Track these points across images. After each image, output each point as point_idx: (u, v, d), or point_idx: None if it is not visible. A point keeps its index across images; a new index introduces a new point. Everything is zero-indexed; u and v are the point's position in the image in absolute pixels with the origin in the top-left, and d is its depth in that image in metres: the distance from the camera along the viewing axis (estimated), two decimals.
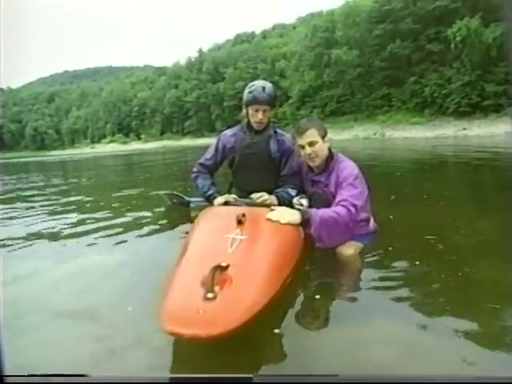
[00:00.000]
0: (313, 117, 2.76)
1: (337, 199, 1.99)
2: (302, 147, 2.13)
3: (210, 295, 1.18)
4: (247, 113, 2.36)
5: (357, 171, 2.09)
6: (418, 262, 1.92)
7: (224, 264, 1.27)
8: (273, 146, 2.39)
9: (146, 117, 71.75)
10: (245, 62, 55.35)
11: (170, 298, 1.26)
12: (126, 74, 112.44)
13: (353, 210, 1.91)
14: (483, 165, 6.96)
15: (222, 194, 2.34)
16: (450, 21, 30.64)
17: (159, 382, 1.02)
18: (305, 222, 1.91)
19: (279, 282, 1.43)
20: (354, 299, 1.62)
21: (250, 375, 0.93)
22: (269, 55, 54.40)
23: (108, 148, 61.40)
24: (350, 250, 2.04)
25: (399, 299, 1.56)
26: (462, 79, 29.65)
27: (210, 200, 2.37)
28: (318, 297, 1.63)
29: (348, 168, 2.10)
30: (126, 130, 75.12)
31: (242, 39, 72.19)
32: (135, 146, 59.69)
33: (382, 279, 1.77)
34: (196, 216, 2.14)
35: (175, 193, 3.86)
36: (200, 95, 61.30)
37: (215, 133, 50.91)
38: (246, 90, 2.34)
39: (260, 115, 2.29)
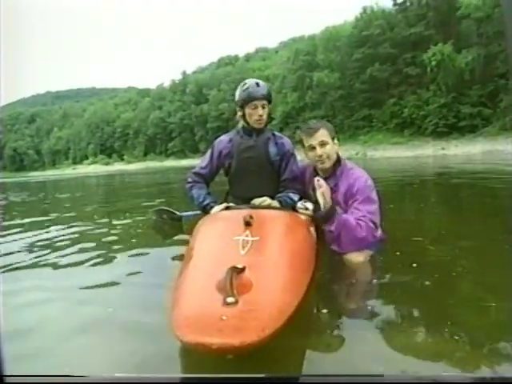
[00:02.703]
0: (320, 119, 2.52)
1: (355, 213, 1.88)
2: (312, 148, 2.02)
3: (230, 300, 1.04)
4: (243, 115, 2.24)
5: (370, 181, 2.00)
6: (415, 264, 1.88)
7: (240, 266, 1.15)
8: (272, 148, 2.29)
9: (129, 138, 71.46)
10: (228, 85, 56.06)
11: (184, 305, 1.11)
12: (109, 95, 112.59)
13: (373, 226, 1.85)
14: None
15: (218, 204, 2.20)
16: (425, 46, 32.05)
17: (160, 382, 0.98)
18: (329, 216, 1.82)
19: (305, 282, 1.32)
20: (364, 308, 1.50)
21: (297, 375, 0.87)
22: (252, 78, 55.16)
23: (90, 169, 60.59)
24: (359, 257, 1.91)
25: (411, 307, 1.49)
26: (439, 101, 30.77)
27: (206, 210, 2.23)
28: (325, 311, 1.48)
29: (361, 178, 1.99)
30: (108, 151, 74.55)
31: (225, 62, 73.44)
32: (118, 167, 59.08)
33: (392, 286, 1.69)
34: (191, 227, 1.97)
35: (165, 208, 3.72)
36: (184, 116, 61.65)
37: (199, 154, 50.99)
38: (239, 90, 2.24)
39: (260, 111, 2.20)
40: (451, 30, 32.08)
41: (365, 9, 39.24)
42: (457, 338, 1.22)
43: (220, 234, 1.55)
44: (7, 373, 0.79)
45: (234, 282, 1.09)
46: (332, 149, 2.04)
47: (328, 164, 2.04)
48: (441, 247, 2.22)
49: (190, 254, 1.50)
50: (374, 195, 1.96)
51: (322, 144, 2.01)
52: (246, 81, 2.29)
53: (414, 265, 1.86)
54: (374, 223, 1.87)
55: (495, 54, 29.39)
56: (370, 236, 1.85)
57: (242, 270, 1.15)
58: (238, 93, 2.26)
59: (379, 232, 2.06)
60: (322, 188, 1.82)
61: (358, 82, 36.98)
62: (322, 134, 2.01)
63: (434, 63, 30.87)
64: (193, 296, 1.16)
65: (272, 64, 55.50)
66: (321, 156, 2.01)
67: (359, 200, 1.90)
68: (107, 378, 0.98)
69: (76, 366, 1.18)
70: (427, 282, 1.65)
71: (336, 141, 2.08)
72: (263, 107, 2.22)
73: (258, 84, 2.21)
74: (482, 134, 27.33)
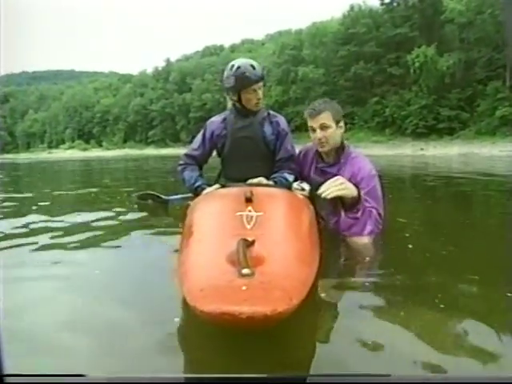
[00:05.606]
0: (329, 99, 2.21)
1: (364, 204, 1.86)
2: (313, 130, 1.99)
3: (246, 271, 0.97)
4: (239, 98, 2.15)
5: (374, 171, 1.97)
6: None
7: (249, 239, 1.11)
8: (267, 128, 2.23)
9: (108, 124, 69.86)
10: (212, 75, 55.51)
11: (196, 277, 1.03)
12: (89, 79, 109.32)
13: (379, 219, 1.86)
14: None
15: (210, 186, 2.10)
16: (409, 47, 32.62)
17: (160, 382, 0.95)
18: (356, 202, 1.80)
19: (317, 256, 1.28)
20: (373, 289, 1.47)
21: (304, 375, 0.84)
22: None
23: (66, 154, 58.86)
24: (364, 238, 1.88)
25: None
26: (420, 102, 31.42)
27: (197, 192, 2.15)
28: (333, 290, 1.44)
29: (366, 167, 1.96)
30: (86, 137, 72.71)
31: (210, 51, 72.73)
32: (96, 153, 57.60)
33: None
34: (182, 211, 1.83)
35: (150, 192, 3.57)
36: (166, 105, 60.64)
37: (179, 143, 50.55)
38: (231, 75, 2.11)
39: (259, 94, 2.14)
40: (435, 34, 32.74)
41: (352, 7, 39.55)
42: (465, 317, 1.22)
43: (221, 210, 1.46)
44: (7, 373, 0.76)
45: (247, 253, 1.03)
46: (334, 133, 1.98)
47: (327, 148, 2.00)
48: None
49: (189, 231, 1.39)
50: (378, 186, 1.94)
51: (323, 127, 1.95)
52: (237, 63, 2.15)
53: (410, 246, 1.93)
54: (380, 215, 1.88)
55: (475, 60, 30.27)
56: (375, 228, 1.88)
57: (252, 243, 1.11)
58: (230, 78, 2.12)
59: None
60: (338, 181, 1.76)
61: (342, 79, 37.29)
62: (324, 117, 1.94)
63: (417, 65, 31.47)
64: (204, 269, 1.07)
65: (257, 56, 54.93)
66: (320, 139, 1.97)
67: (365, 190, 1.86)
68: (107, 377, 0.95)
69: None
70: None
71: (342, 124, 2.03)
72: (260, 88, 2.16)
73: (252, 66, 2.11)
74: (459, 137, 28.16)
